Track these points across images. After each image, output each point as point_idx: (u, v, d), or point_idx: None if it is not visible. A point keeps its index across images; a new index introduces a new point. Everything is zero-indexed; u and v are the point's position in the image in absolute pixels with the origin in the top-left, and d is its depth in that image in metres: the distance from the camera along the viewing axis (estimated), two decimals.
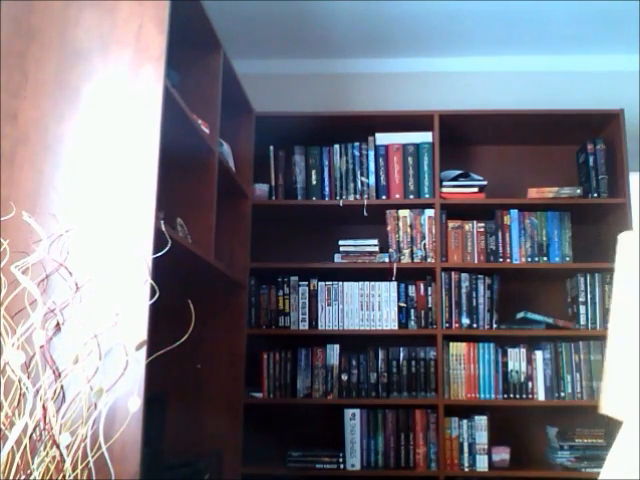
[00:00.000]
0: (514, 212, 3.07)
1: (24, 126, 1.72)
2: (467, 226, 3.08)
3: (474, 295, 3.01)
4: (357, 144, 3.16)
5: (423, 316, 3.02)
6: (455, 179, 3.11)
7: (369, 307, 3.04)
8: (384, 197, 3.12)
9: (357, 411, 2.96)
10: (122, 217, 1.65)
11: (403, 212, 3.07)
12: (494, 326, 2.99)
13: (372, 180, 3.13)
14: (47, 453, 1.36)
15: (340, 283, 3.06)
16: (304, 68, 3.58)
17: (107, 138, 1.70)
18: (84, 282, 1.55)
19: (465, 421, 2.93)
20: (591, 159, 3.10)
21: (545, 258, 3.04)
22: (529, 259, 3.04)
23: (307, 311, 3.05)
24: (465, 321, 2.99)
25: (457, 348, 2.97)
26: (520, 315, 3.05)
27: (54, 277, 1.57)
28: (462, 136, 3.30)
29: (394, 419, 2.96)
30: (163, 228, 1.70)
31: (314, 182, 3.17)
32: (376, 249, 3.09)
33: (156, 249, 1.64)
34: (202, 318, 2.63)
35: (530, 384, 2.97)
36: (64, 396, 1.45)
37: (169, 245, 1.67)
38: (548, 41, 3.38)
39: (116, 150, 1.69)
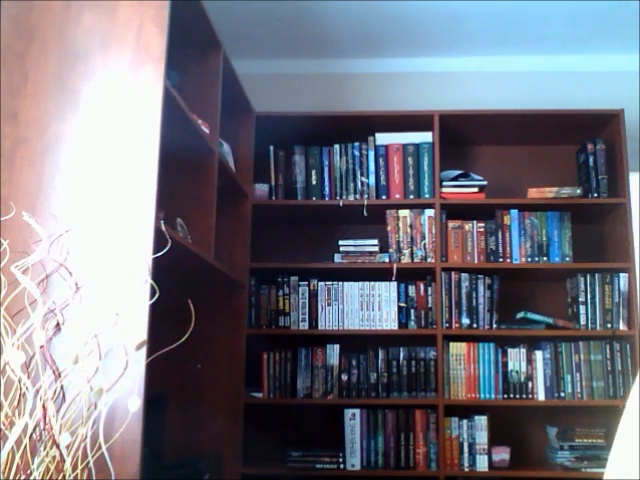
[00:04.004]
0: (514, 212, 3.07)
1: (24, 126, 1.72)
2: (467, 226, 3.07)
3: (474, 295, 3.00)
4: (357, 144, 3.16)
5: (423, 316, 3.02)
6: (455, 179, 3.11)
7: (369, 307, 3.04)
8: (384, 197, 3.12)
9: (357, 411, 2.96)
10: (122, 217, 1.65)
11: (403, 212, 3.07)
12: (494, 326, 2.99)
13: (372, 180, 3.13)
14: (47, 453, 1.36)
15: (340, 283, 3.06)
16: (304, 68, 3.58)
17: (107, 138, 1.70)
18: (84, 282, 1.55)
19: (465, 421, 2.93)
20: (591, 159, 3.10)
21: (545, 258, 3.03)
22: (529, 259, 3.04)
23: (307, 311, 3.05)
24: (465, 321, 2.99)
25: (457, 348, 2.97)
26: (520, 315, 3.05)
27: (54, 277, 1.57)
28: (462, 136, 3.30)
29: (394, 419, 2.96)
30: (163, 228, 1.70)
31: (314, 182, 3.17)
32: (376, 249, 3.09)
33: (156, 249, 1.64)
34: (202, 318, 2.63)
35: (530, 384, 2.96)
36: (64, 396, 1.45)
37: (169, 245, 1.67)
38: (548, 41, 3.38)
39: (116, 150, 1.69)
